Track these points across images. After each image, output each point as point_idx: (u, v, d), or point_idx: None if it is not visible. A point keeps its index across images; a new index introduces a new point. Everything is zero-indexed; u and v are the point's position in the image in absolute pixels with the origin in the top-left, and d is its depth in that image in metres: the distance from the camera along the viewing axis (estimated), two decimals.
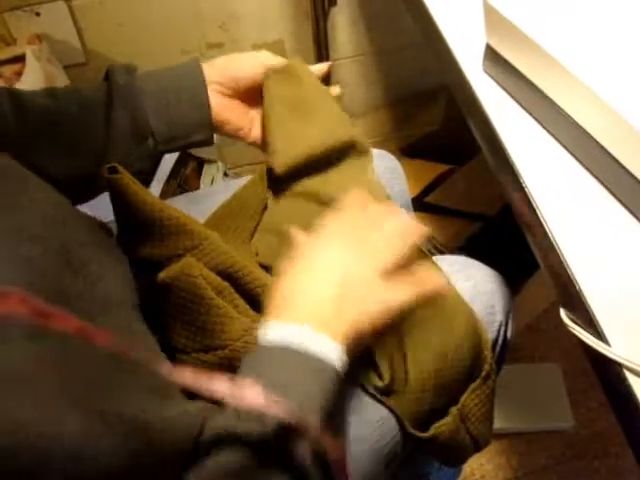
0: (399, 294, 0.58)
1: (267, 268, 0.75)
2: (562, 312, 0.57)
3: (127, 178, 0.67)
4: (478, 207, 1.49)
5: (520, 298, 1.43)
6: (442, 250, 1.43)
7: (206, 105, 0.80)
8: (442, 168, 1.60)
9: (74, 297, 0.49)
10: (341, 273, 0.58)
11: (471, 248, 1.42)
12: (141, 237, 0.68)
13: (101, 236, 0.67)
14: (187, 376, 0.45)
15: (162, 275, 0.65)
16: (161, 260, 0.67)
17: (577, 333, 0.54)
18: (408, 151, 1.78)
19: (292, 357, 0.53)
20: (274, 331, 0.55)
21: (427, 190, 1.56)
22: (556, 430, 1.46)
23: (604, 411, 1.44)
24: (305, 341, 0.53)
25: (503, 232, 1.39)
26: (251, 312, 0.67)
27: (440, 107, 1.75)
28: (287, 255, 0.61)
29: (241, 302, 0.67)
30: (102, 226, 0.72)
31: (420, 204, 1.52)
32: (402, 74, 1.74)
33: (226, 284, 0.66)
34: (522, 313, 1.53)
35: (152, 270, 0.67)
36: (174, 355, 0.66)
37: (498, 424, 1.37)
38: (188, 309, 0.64)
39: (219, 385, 0.45)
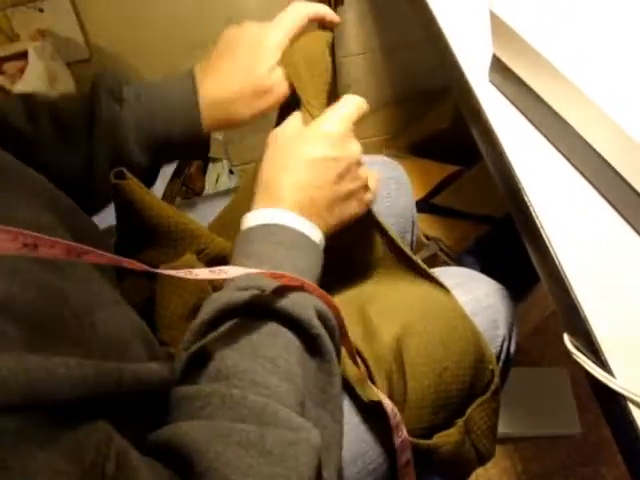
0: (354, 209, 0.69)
1: None
2: (566, 338, 0.55)
3: (134, 184, 0.67)
4: (486, 209, 1.47)
5: (528, 301, 1.41)
6: (448, 252, 1.42)
7: (199, 134, 0.75)
8: (450, 169, 1.57)
9: (71, 299, 0.48)
10: (322, 176, 0.65)
11: (479, 251, 1.41)
12: (146, 243, 0.68)
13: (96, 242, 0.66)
14: (171, 271, 0.50)
15: (163, 267, 0.65)
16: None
17: (581, 362, 0.52)
18: (417, 149, 1.76)
19: (281, 232, 0.61)
20: (261, 214, 0.63)
21: (435, 191, 1.54)
22: (562, 435, 1.44)
23: None
24: (290, 220, 0.62)
25: (511, 235, 1.37)
26: None
27: (450, 105, 1.72)
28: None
29: None
30: (96, 231, 0.70)
31: (427, 205, 1.50)
32: (411, 71, 1.72)
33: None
34: (530, 316, 1.52)
35: (152, 277, 0.67)
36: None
37: (504, 428, 1.36)
38: (186, 301, 0.65)
39: (201, 275, 0.51)
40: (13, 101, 0.73)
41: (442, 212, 1.49)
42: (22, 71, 1.25)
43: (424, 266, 0.76)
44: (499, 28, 0.62)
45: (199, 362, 0.52)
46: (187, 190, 1.43)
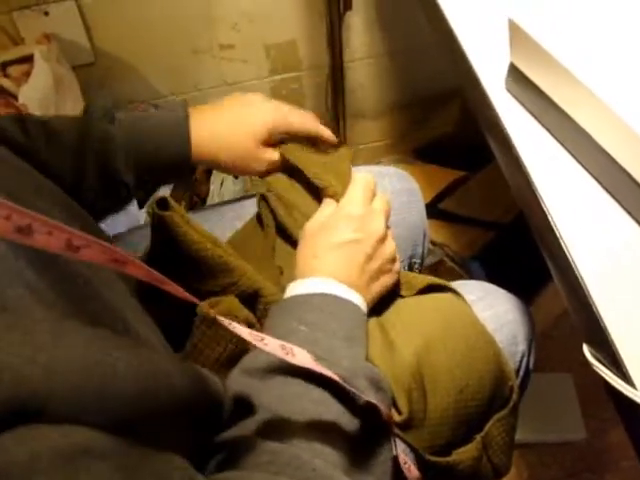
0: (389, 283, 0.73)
1: None
2: (586, 349, 0.55)
3: (177, 216, 0.67)
4: (492, 215, 1.46)
5: (533, 307, 1.41)
6: (454, 258, 1.41)
7: (187, 158, 0.77)
8: (456, 174, 1.57)
9: (102, 293, 0.49)
10: (359, 250, 0.69)
11: (485, 257, 1.40)
12: (183, 272, 0.68)
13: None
14: (243, 331, 0.50)
15: (207, 309, 0.65)
16: (199, 294, 0.68)
17: (602, 373, 0.52)
18: (422, 153, 1.76)
19: (330, 301, 0.63)
20: (306, 284, 0.65)
21: (440, 196, 1.53)
22: (567, 441, 1.43)
23: (617, 423, 1.41)
24: (337, 290, 0.64)
25: (517, 241, 1.37)
26: None
27: (455, 109, 1.72)
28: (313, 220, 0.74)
29: None
30: (107, 239, 0.70)
31: (433, 211, 1.50)
32: (417, 76, 1.72)
33: (255, 320, 0.69)
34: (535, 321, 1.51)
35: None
36: None
37: None
38: (224, 349, 0.65)
39: (271, 347, 0.51)
40: (7, 118, 0.74)
41: (448, 218, 1.49)
42: (27, 74, 1.25)
43: (449, 284, 0.77)
44: (518, 36, 0.61)
45: (249, 408, 0.53)
46: (192, 195, 1.43)
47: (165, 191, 1.35)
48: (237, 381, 0.56)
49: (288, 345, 0.52)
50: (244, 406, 0.53)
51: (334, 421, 0.54)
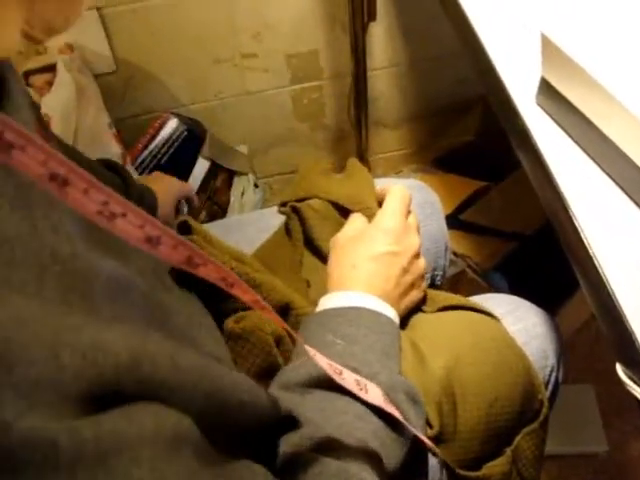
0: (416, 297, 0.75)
1: None
2: (619, 368, 0.54)
3: (200, 239, 0.69)
4: (514, 226, 1.46)
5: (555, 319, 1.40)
6: (476, 269, 1.40)
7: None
8: (478, 184, 1.56)
9: (173, 313, 0.51)
10: (390, 265, 0.70)
11: (507, 268, 1.39)
12: (212, 292, 0.68)
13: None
14: (323, 361, 0.51)
15: (232, 324, 0.66)
16: (226, 311, 0.69)
17: (637, 393, 0.51)
18: (442, 163, 1.75)
19: (365, 315, 0.64)
20: (341, 297, 0.67)
21: (462, 207, 1.53)
22: (588, 454, 1.42)
23: (638, 435, 1.40)
24: (372, 304, 0.65)
25: (540, 252, 1.36)
26: None
27: (476, 119, 1.72)
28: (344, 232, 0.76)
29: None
30: None
31: (455, 221, 1.49)
32: (438, 85, 1.72)
33: (284, 334, 0.69)
34: None
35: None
36: None
37: None
38: (252, 363, 0.65)
39: (348, 382, 0.53)
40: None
41: (469, 229, 1.48)
42: (49, 84, 1.26)
43: (473, 303, 0.77)
44: (550, 50, 0.61)
45: (293, 423, 0.54)
46: (213, 204, 1.43)
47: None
48: (278, 396, 0.56)
49: (363, 381, 0.54)
50: (288, 421, 0.54)
51: (376, 436, 0.54)
